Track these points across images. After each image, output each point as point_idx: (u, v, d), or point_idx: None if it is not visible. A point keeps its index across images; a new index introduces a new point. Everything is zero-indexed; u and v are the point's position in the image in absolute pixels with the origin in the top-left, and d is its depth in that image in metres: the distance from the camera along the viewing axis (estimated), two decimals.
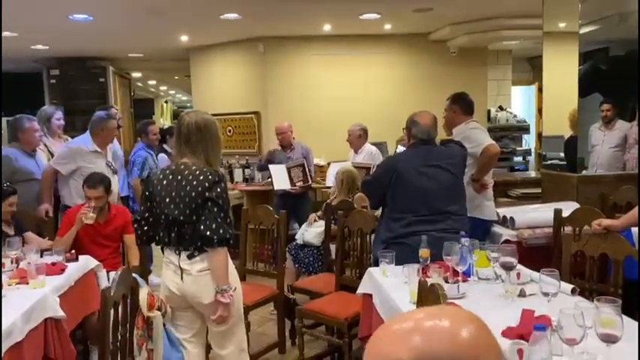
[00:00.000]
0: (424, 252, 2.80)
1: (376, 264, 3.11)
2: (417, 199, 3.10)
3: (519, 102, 9.78)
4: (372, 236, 3.65)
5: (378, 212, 3.95)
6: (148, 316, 2.43)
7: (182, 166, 2.58)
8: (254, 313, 3.93)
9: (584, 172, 4.97)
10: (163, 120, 18.83)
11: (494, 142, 3.93)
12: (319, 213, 4.94)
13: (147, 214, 2.71)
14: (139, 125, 6.28)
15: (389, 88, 7.50)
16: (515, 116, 8.24)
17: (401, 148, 3.57)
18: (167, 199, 2.57)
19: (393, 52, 7.49)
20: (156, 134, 5.65)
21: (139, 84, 13.28)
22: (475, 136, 3.89)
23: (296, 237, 4.80)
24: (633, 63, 5.06)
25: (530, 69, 10.04)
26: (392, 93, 7.46)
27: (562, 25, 5.08)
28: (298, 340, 3.59)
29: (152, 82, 14.03)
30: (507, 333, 1.97)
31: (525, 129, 8.25)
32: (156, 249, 5.95)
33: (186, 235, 2.56)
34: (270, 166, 5.80)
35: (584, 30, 4.81)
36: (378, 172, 3.44)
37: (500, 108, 8.25)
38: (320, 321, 3.58)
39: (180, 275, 2.61)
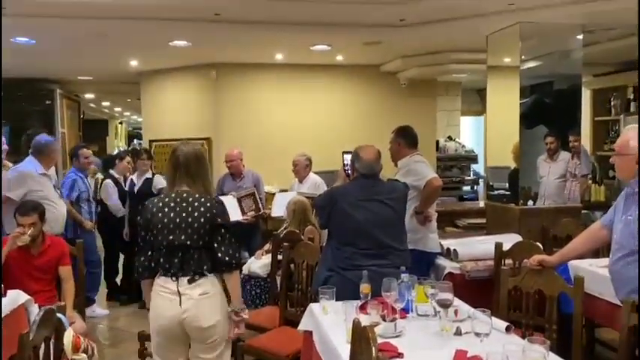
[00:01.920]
0: (365, 287, 2.78)
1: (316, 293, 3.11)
2: (357, 233, 3.10)
3: (469, 132, 10.03)
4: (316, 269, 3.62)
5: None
6: (73, 359, 2.31)
7: (184, 194, 2.69)
8: None
9: (529, 204, 5.10)
10: (118, 141, 18.43)
11: (436, 175, 4.02)
12: (267, 247, 4.89)
13: (144, 244, 2.73)
14: (70, 149, 6.12)
15: (341, 117, 7.58)
16: (463, 146, 8.44)
17: (347, 157, 3.62)
18: (171, 225, 2.64)
19: (344, 82, 7.59)
20: (87, 158, 5.53)
21: (92, 105, 12.99)
22: (419, 169, 3.96)
23: (242, 269, 4.71)
24: (575, 97, 5.29)
25: (480, 100, 10.33)
26: (343, 122, 7.54)
27: (506, 60, 5.26)
28: None
29: (106, 104, 13.75)
30: None
31: (473, 159, 8.44)
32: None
33: (190, 260, 2.64)
34: (221, 198, 5.69)
35: (527, 65, 5.01)
36: (320, 200, 3.43)
37: (450, 138, 8.44)
38: (262, 358, 3.50)
39: (178, 301, 2.62)
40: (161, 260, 2.65)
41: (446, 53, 6.34)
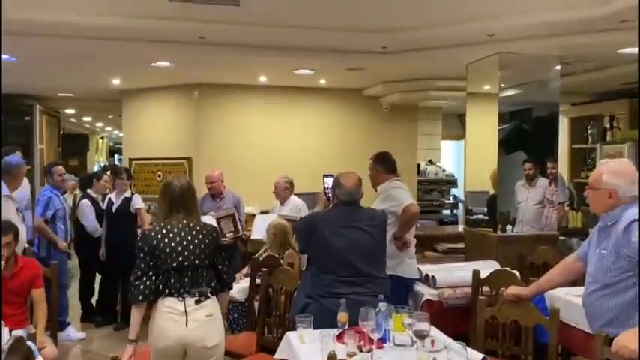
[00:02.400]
0: (342, 316, 2.77)
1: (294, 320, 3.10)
2: (336, 260, 3.09)
3: (450, 156, 10.13)
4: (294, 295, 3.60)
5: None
6: None
7: (184, 221, 2.92)
8: None
9: (507, 230, 5.16)
10: (98, 156, 18.25)
11: (414, 202, 4.05)
12: (245, 270, 4.86)
13: (148, 269, 2.83)
14: (45, 166, 6.04)
15: (323, 140, 7.63)
16: (444, 170, 8.52)
17: (327, 180, 3.63)
18: (179, 248, 2.85)
19: (327, 105, 7.66)
20: (61, 175, 5.43)
21: (73, 120, 12.86)
22: (397, 195, 3.99)
23: None
24: (553, 124, 5.39)
25: (460, 125, 10.47)
26: (326, 145, 7.59)
27: (485, 87, 5.36)
28: None
29: (87, 119, 13.63)
30: None
31: (453, 183, 8.52)
32: (73, 300, 5.71)
33: (199, 279, 2.86)
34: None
35: (505, 93, 5.12)
36: (300, 225, 3.43)
37: (430, 162, 8.51)
38: None
39: (184, 321, 2.78)
40: (171, 281, 2.82)
41: (426, 80, 6.45)
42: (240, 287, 4.53)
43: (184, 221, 2.91)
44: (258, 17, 4.38)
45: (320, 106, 7.63)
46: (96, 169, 14.23)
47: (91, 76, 6.63)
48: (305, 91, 7.43)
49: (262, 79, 6.82)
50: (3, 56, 5.14)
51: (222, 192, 5.82)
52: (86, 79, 6.93)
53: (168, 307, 2.80)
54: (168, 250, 2.83)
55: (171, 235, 2.86)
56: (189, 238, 2.88)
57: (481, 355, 2.49)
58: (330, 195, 3.58)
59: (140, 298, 2.81)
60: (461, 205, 8.86)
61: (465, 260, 5.14)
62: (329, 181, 3.63)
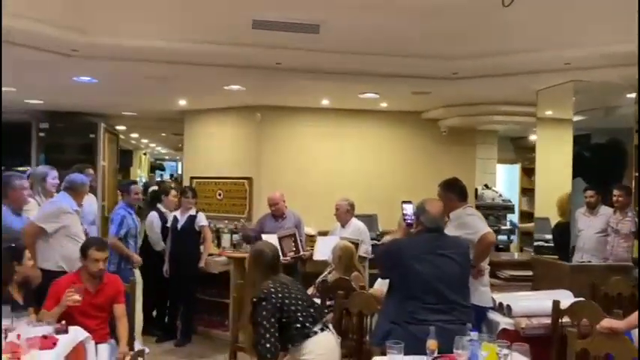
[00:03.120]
0: (432, 344, 2.76)
1: (377, 345, 3.12)
2: (421, 287, 3.08)
3: (502, 180, 10.01)
4: (372, 319, 3.62)
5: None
6: None
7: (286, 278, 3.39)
8: None
9: (575, 260, 5.05)
10: (140, 171, 18.70)
11: (490, 230, 4.01)
12: (311, 291, 4.88)
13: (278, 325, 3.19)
14: (121, 184, 6.26)
15: (380, 162, 7.65)
16: (500, 195, 8.41)
17: (406, 207, 3.65)
18: (299, 295, 3.32)
19: (386, 128, 7.69)
20: (137, 194, 5.73)
21: (122, 136, 13.27)
22: (472, 223, 3.96)
23: None
24: (614, 150, 5.29)
25: (513, 149, 10.36)
26: (383, 167, 7.61)
27: (556, 113, 5.31)
28: None
29: (134, 135, 14.03)
30: None
31: (510, 208, 8.40)
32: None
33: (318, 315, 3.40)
34: (263, 236, 5.74)
35: (577, 118, 5.04)
36: (384, 251, 3.45)
37: (486, 186, 8.42)
38: None
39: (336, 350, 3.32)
40: (310, 321, 3.20)
41: (490, 105, 6.42)
42: None
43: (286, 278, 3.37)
44: (335, 44, 4.48)
45: (378, 129, 7.67)
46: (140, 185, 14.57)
47: (160, 97, 6.86)
48: (364, 114, 7.49)
49: (325, 102, 6.92)
50: (84, 78, 5.40)
51: (284, 212, 5.92)
52: (155, 101, 7.17)
53: (323, 340, 3.21)
54: (294, 300, 3.22)
55: (288, 288, 3.27)
56: (300, 288, 3.41)
57: None
58: (408, 221, 3.58)
59: (274, 354, 3.10)
60: (516, 231, 8.74)
61: (533, 289, 5.06)
62: (407, 207, 3.63)
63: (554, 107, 5.28)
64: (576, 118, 5.06)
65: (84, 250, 3.72)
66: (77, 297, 3.47)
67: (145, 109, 8.07)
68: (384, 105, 7.00)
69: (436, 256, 3.15)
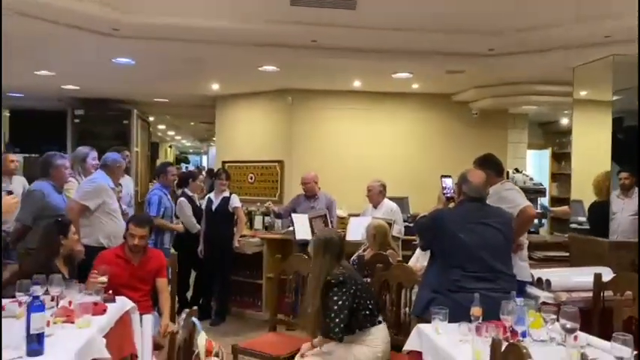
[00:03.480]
0: (476, 310, 2.76)
1: (419, 315, 3.15)
2: (465, 255, 3.09)
3: (531, 166, 9.90)
4: (412, 291, 3.63)
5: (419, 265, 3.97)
6: None
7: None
8: None
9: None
10: None
11: (530, 203, 3.98)
12: None
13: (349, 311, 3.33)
14: (158, 166, 6.40)
15: (410, 145, 7.64)
16: (531, 179, 8.32)
17: (446, 181, 3.66)
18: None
19: (416, 111, 7.66)
20: (174, 175, 5.91)
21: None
22: (512, 197, 3.93)
23: None
24: None
25: (542, 134, 10.24)
26: (413, 149, 7.60)
27: (593, 92, 5.21)
28: None
29: (161, 127, 14.20)
30: None
31: (542, 192, 8.30)
32: None
33: None
34: (293, 215, 5.80)
35: (616, 97, 4.94)
36: (423, 222, 3.45)
37: (517, 170, 8.34)
38: None
39: None
40: (376, 309, 3.38)
41: (525, 85, 6.33)
42: None
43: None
44: (371, 20, 4.47)
45: (409, 112, 7.65)
46: None
47: (193, 80, 6.93)
48: (394, 97, 7.48)
49: (356, 84, 6.91)
50: (123, 60, 5.49)
51: (316, 193, 5.97)
52: (188, 85, 7.24)
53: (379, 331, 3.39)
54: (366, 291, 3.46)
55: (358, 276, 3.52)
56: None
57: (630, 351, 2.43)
58: (448, 195, 3.59)
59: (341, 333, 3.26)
60: (547, 215, 8.63)
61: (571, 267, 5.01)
62: (447, 181, 3.64)
63: (592, 85, 5.18)
64: (618, 97, 4.97)
65: (127, 223, 3.83)
66: (103, 279, 3.45)
67: (177, 94, 8.15)
68: (415, 87, 6.96)
69: (479, 225, 3.15)
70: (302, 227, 5.69)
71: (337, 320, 3.18)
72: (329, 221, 5.80)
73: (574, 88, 5.22)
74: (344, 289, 3.23)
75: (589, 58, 4.83)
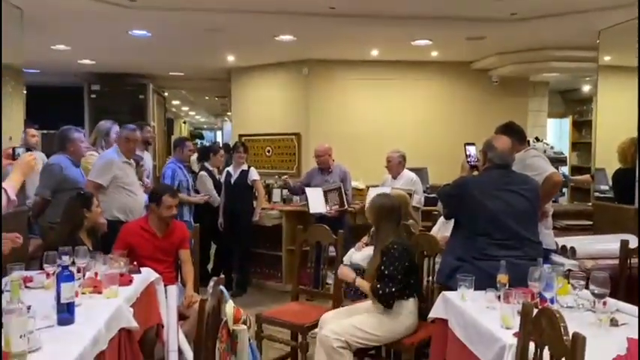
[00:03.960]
0: (503, 277, 2.75)
1: (442, 283, 3.16)
2: (490, 222, 3.05)
3: (551, 134, 9.76)
4: (435, 259, 3.62)
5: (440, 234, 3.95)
6: (233, 330, 2.40)
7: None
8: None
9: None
10: None
11: (556, 170, 3.91)
12: (366, 239, 4.88)
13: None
14: (175, 140, 6.43)
15: (429, 115, 7.55)
16: (552, 147, 8.20)
17: (470, 148, 3.63)
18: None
19: (434, 79, 7.56)
20: (192, 150, 5.95)
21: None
22: (537, 164, 3.85)
23: (344, 259, 4.73)
24: None
25: (562, 102, 10.06)
26: (432, 119, 7.51)
27: (619, 56, 5.08)
28: None
29: (175, 102, 14.18)
30: None
31: (562, 160, 8.17)
32: None
33: None
34: (307, 189, 5.79)
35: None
36: (448, 190, 3.41)
37: (537, 139, 8.21)
38: None
39: None
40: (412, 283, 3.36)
41: (547, 50, 6.18)
42: (364, 255, 4.57)
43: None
44: None
45: (427, 81, 7.54)
46: None
47: (208, 53, 6.87)
48: (412, 65, 7.36)
49: (374, 52, 6.80)
50: (139, 32, 5.45)
51: (330, 165, 5.92)
52: (203, 57, 7.19)
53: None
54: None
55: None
56: None
57: None
58: (472, 163, 3.54)
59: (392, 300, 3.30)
60: (568, 184, 8.52)
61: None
62: (471, 149, 3.58)
63: (618, 49, 5.04)
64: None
65: (157, 197, 3.83)
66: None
67: (192, 66, 8.11)
68: (434, 54, 6.84)
69: (505, 192, 3.10)
70: (316, 201, 5.69)
71: (387, 287, 3.22)
72: (343, 194, 5.77)
73: (599, 53, 5.09)
74: (403, 254, 3.28)
75: (616, 20, 4.68)
